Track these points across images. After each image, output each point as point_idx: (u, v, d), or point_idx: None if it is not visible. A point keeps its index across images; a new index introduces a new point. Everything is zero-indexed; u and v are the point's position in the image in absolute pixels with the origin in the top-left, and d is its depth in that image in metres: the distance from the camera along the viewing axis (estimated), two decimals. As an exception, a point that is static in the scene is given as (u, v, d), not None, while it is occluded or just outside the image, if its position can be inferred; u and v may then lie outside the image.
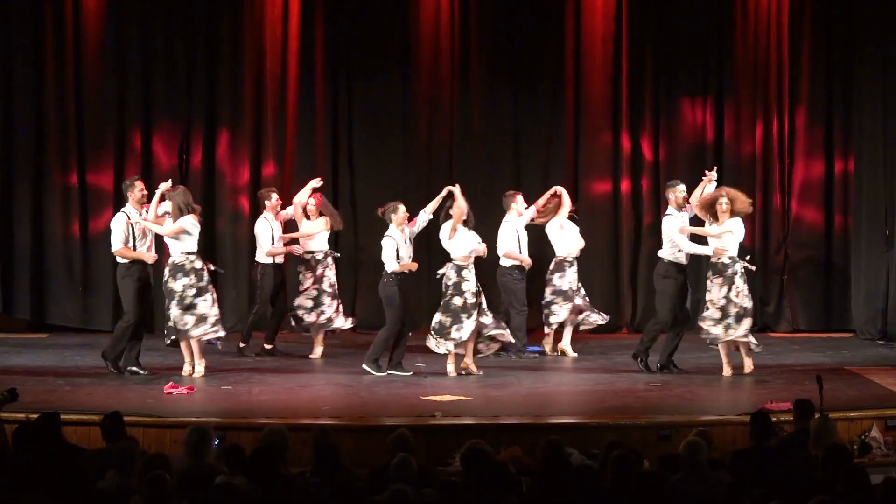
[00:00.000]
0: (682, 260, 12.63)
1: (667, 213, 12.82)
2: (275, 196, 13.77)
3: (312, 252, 13.65)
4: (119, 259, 12.40)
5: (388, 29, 15.88)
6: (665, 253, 12.67)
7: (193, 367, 12.22)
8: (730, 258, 12.25)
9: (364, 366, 12.47)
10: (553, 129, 15.95)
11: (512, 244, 13.48)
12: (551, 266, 13.72)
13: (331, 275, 13.66)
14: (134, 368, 12.25)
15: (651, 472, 7.23)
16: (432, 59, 15.84)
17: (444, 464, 9.30)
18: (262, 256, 13.68)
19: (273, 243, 13.58)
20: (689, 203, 12.73)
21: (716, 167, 13.05)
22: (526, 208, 13.66)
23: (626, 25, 15.84)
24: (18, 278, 15.46)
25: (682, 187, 12.77)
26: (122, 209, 12.55)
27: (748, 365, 12.35)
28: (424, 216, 12.75)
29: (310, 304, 13.55)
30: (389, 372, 12.47)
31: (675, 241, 12.55)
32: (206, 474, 7.47)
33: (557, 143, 15.94)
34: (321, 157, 15.83)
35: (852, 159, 15.58)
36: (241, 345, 13.66)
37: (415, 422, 9.95)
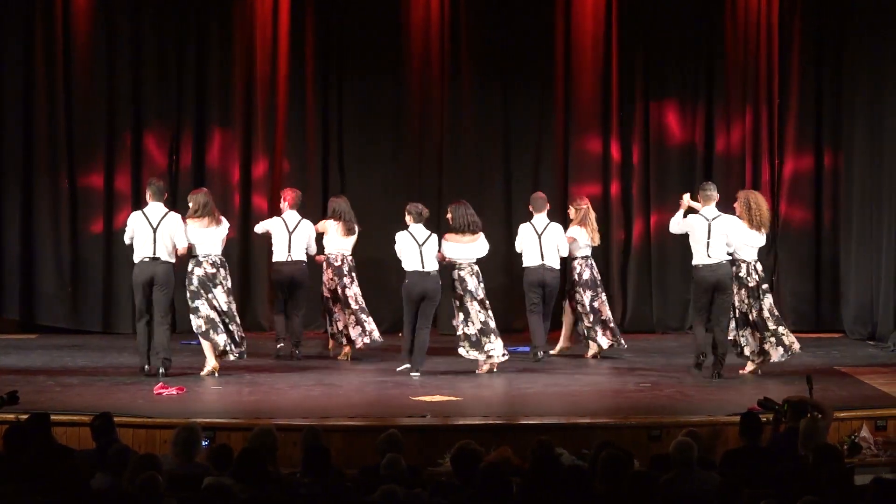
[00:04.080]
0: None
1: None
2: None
3: (328, 256, 13.38)
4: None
5: (378, 29, 15.88)
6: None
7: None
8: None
9: (414, 375, 12.32)
10: (543, 129, 15.97)
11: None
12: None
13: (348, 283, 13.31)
14: None
15: (641, 473, 7.22)
16: (423, 59, 15.85)
17: (434, 464, 9.30)
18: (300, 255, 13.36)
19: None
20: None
21: (688, 193, 12.62)
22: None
23: (615, 26, 15.86)
24: (8, 279, 15.42)
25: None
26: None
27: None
28: None
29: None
30: None
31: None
32: (196, 474, 7.46)
33: (547, 143, 15.96)
34: (312, 157, 15.83)
35: (841, 160, 15.60)
36: (292, 348, 13.39)
37: (405, 422, 9.94)
